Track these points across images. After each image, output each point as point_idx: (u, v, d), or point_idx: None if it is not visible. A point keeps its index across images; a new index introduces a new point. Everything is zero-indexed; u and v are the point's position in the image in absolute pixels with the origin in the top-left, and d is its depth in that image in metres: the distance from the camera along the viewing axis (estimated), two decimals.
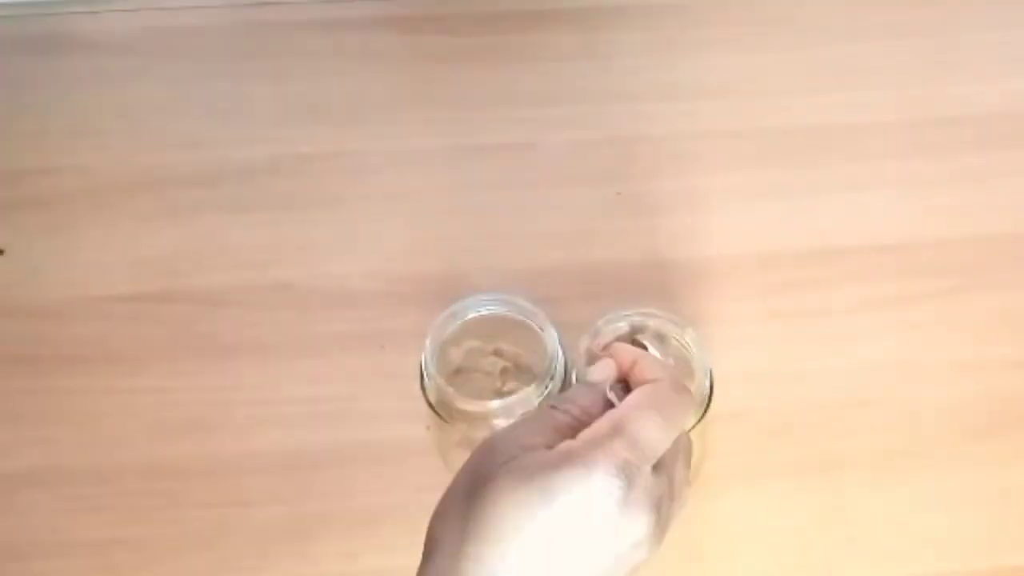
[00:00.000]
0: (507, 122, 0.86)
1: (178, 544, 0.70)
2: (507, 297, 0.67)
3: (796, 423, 0.73)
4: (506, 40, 0.90)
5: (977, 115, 0.86)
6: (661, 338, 0.61)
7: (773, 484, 0.71)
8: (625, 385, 0.56)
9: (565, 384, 0.65)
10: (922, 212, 0.82)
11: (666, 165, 0.83)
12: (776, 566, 0.69)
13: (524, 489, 0.48)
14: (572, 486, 0.48)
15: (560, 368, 0.65)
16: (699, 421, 0.64)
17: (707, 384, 0.64)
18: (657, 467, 0.51)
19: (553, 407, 0.53)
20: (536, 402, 0.64)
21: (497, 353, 0.68)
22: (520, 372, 0.68)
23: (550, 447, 0.50)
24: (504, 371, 0.68)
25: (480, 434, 0.66)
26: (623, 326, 0.65)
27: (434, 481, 0.71)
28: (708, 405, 0.65)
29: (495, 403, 0.64)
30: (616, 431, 0.50)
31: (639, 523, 0.49)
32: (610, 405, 0.54)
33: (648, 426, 0.51)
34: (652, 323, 0.65)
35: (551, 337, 0.65)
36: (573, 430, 0.51)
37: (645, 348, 0.61)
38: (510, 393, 0.65)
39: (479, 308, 0.67)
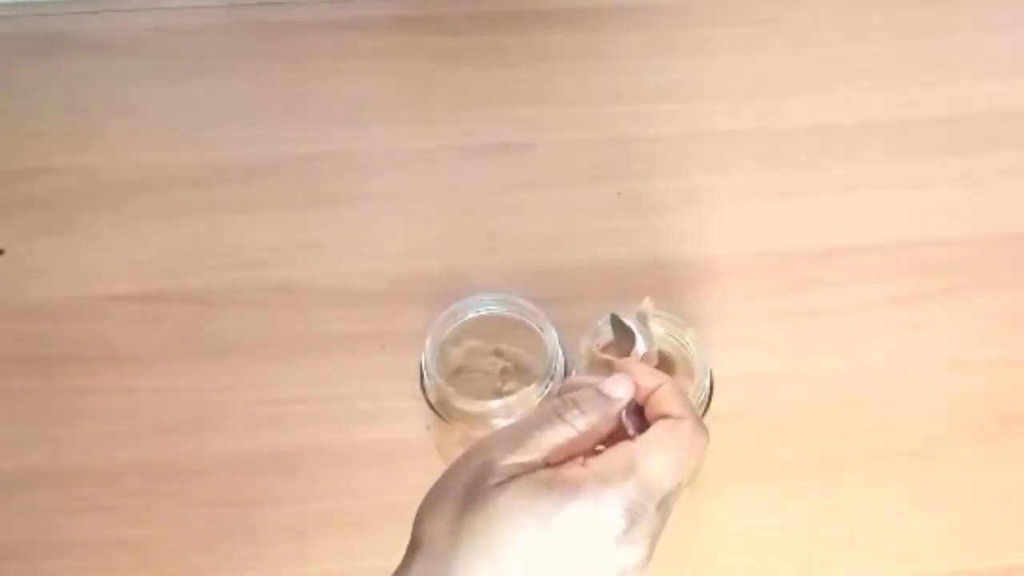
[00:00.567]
0: (507, 122, 0.86)
1: (178, 544, 0.70)
2: (507, 297, 0.67)
3: (796, 423, 0.73)
4: (506, 40, 0.90)
5: (977, 115, 0.86)
6: (643, 319, 0.61)
7: (773, 484, 0.71)
8: (639, 408, 0.52)
9: None
10: (922, 212, 0.82)
11: (666, 165, 0.83)
12: (776, 566, 0.70)
13: (527, 513, 0.47)
14: (576, 516, 0.47)
15: (560, 368, 0.65)
16: None
17: (707, 384, 0.64)
18: (660, 503, 0.50)
19: (559, 415, 0.50)
20: (536, 402, 0.64)
21: (497, 353, 0.68)
22: (520, 372, 0.68)
23: (550, 463, 0.49)
24: (504, 371, 0.68)
25: (480, 434, 0.66)
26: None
27: (434, 481, 0.72)
28: (708, 405, 0.65)
29: (495, 403, 0.64)
30: (630, 471, 0.48)
31: (634, 554, 0.48)
32: (620, 427, 0.52)
33: (664, 471, 0.49)
34: (649, 323, 0.65)
35: (551, 337, 0.65)
36: (576, 445, 0.50)
37: (629, 329, 0.60)
38: (510, 393, 0.65)
39: (479, 308, 0.67)
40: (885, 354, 0.76)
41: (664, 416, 0.51)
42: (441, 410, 0.65)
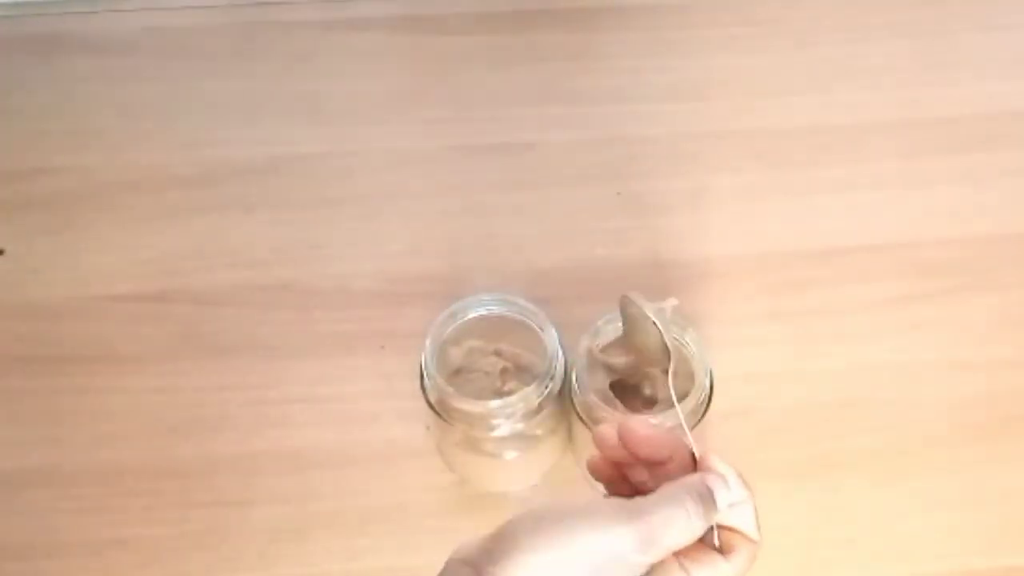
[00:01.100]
0: (507, 122, 0.86)
1: (178, 544, 0.70)
2: (507, 297, 0.67)
3: (796, 423, 0.73)
4: (506, 40, 0.90)
5: (977, 115, 0.86)
6: (662, 315, 0.61)
7: (773, 484, 0.71)
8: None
9: (565, 384, 0.65)
10: (922, 212, 0.82)
11: (666, 165, 0.83)
12: (776, 566, 0.69)
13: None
14: None
15: (560, 368, 0.65)
16: (699, 421, 0.64)
17: (707, 384, 0.64)
18: None
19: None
20: (536, 402, 0.64)
21: (497, 353, 0.68)
22: (520, 372, 0.68)
23: None
24: (504, 371, 0.68)
25: (480, 434, 0.66)
26: (623, 326, 0.65)
27: (434, 481, 0.72)
28: (708, 405, 0.65)
29: (495, 403, 0.64)
30: None
31: None
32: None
33: None
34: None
35: (551, 337, 0.65)
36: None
37: (638, 318, 0.60)
38: (510, 393, 0.65)
39: (479, 308, 0.67)
40: (885, 354, 0.76)
41: (740, 535, 0.50)
42: (441, 410, 0.65)
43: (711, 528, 0.49)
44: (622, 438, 0.52)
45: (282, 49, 0.90)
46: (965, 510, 0.71)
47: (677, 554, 0.48)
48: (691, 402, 0.63)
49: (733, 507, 0.49)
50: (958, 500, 0.71)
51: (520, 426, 0.65)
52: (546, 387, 0.64)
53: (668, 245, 0.80)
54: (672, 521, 0.47)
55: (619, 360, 0.66)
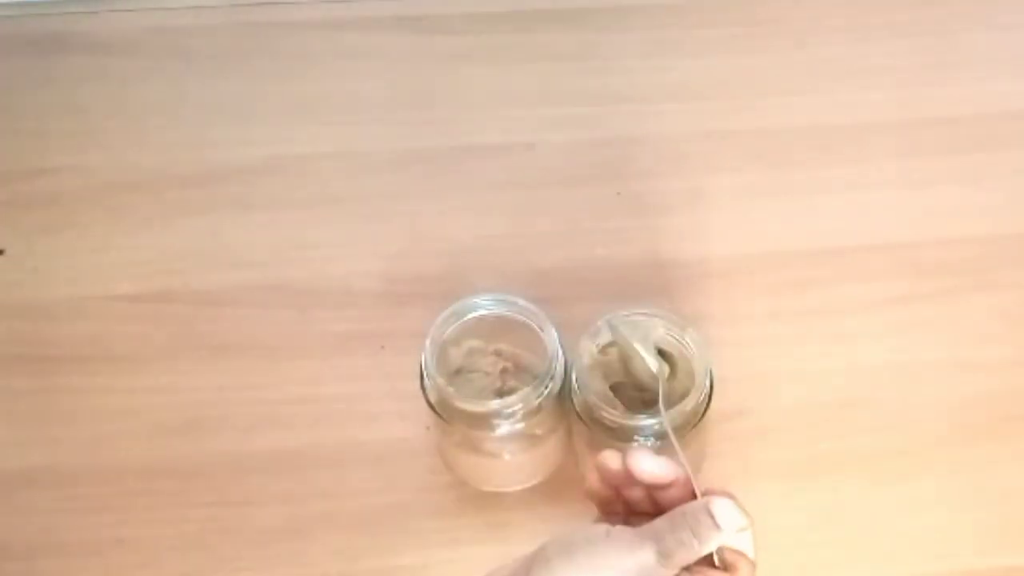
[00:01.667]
0: (507, 122, 0.86)
1: (178, 544, 0.70)
2: (507, 297, 0.67)
3: (796, 423, 0.73)
4: (506, 40, 0.90)
5: (977, 115, 0.86)
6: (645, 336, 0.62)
7: (773, 484, 0.71)
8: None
9: (565, 384, 0.65)
10: (922, 212, 0.82)
11: (666, 165, 0.83)
12: (775, 566, 0.69)
13: None
14: None
15: (560, 368, 0.65)
16: (699, 421, 0.64)
17: (707, 384, 0.64)
18: None
19: None
20: (536, 402, 0.64)
21: (497, 353, 0.68)
22: (520, 372, 0.68)
23: None
24: (504, 371, 0.68)
25: (480, 434, 0.66)
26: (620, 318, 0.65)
27: (434, 481, 0.72)
28: (708, 405, 0.65)
29: (495, 403, 0.64)
30: None
31: None
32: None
33: None
34: (651, 323, 0.65)
35: (551, 337, 0.65)
36: None
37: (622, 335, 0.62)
38: (510, 393, 0.65)
39: (479, 308, 0.67)
40: (885, 354, 0.76)
41: (741, 554, 0.53)
42: (441, 410, 0.65)
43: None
44: (627, 463, 0.54)
45: (282, 49, 0.90)
46: (965, 510, 0.71)
47: (685, 569, 0.51)
48: (691, 402, 0.63)
49: (737, 532, 0.52)
50: (958, 500, 0.71)
51: (520, 426, 0.65)
52: (546, 387, 0.64)
53: (668, 245, 0.80)
54: (682, 542, 0.51)
55: (618, 360, 0.66)
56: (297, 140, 0.85)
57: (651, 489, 0.55)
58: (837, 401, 0.74)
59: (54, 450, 0.73)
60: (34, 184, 0.83)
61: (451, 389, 0.64)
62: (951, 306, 0.78)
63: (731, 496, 0.53)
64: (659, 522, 0.52)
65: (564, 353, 0.66)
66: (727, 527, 0.51)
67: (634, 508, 0.56)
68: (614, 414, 0.63)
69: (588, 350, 0.65)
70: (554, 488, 0.71)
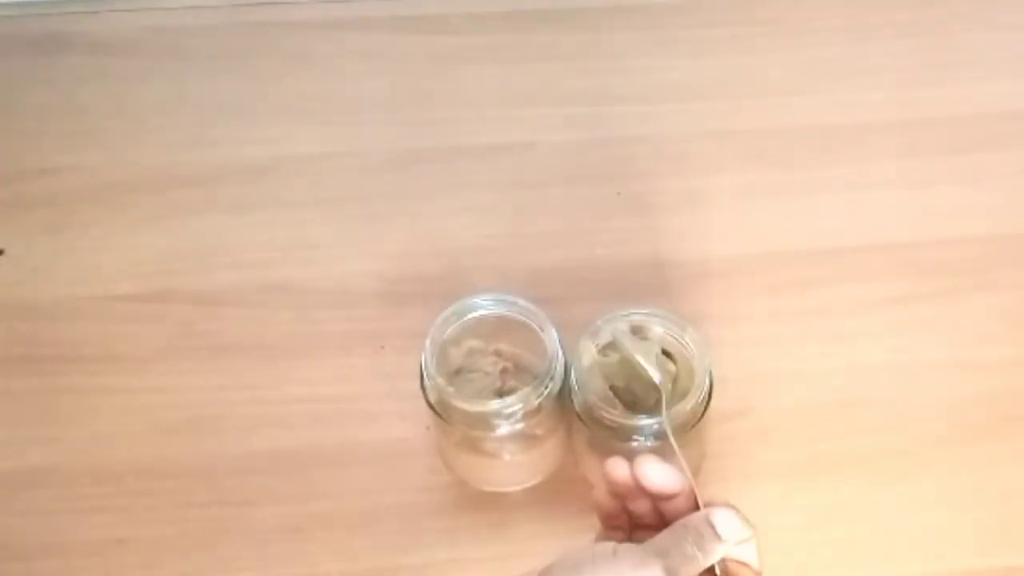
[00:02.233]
0: (507, 122, 0.86)
1: (178, 544, 0.70)
2: (507, 297, 0.67)
3: (796, 423, 0.73)
4: (506, 40, 0.90)
5: (977, 115, 0.86)
6: (637, 330, 0.62)
7: (773, 484, 0.71)
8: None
9: (565, 384, 0.65)
10: (922, 212, 0.82)
11: (666, 165, 0.83)
12: (775, 566, 0.69)
13: None
14: None
15: (560, 368, 0.65)
16: (699, 421, 0.64)
17: (707, 384, 0.64)
18: None
19: None
20: (536, 402, 0.64)
21: (497, 353, 0.68)
22: (520, 372, 0.68)
23: None
24: (504, 371, 0.68)
25: (480, 434, 0.66)
26: (622, 326, 0.65)
27: (434, 481, 0.72)
28: (708, 405, 0.65)
29: (495, 403, 0.64)
30: None
31: None
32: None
33: None
34: (651, 323, 0.65)
35: (551, 337, 0.65)
36: None
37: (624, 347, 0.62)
38: (510, 393, 0.65)
39: (479, 308, 0.67)
40: (885, 354, 0.76)
41: (745, 565, 0.53)
42: (441, 410, 0.65)
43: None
44: (635, 471, 0.54)
45: (282, 49, 0.90)
46: (965, 510, 0.71)
47: None
48: (690, 402, 0.63)
49: (739, 543, 0.52)
50: (958, 500, 0.71)
51: (520, 426, 0.65)
52: (546, 387, 0.64)
53: (668, 245, 0.80)
54: (687, 556, 0.51)
55: (618, 361, 0.66)
56: (297, 140, 0.85)
57: (656, 500, 0.55)
58: (837, 401, 0.74)
59: (54, 450, 0.73)
60: (34, 184, 0.83)
61: (451, 389, 0.64)
62: (951, 306, 0.78)
63: (733, 507, 0.53)
64: (662, 537, 0.52)
65: (564, 353, 0.66)
66: (729, 538, 0.52)
67: (638, 521, 0.56)
68: (614, 414, 0.63)
69: (588, 350, 0.65)
70: (554, 488, 0.71)
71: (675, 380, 0.65)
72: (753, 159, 0.84)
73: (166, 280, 0.79)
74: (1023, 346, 0.76)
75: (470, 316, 0.67)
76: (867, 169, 0.84)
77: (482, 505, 0.71)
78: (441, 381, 0.65)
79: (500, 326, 0.67)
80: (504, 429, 0.65)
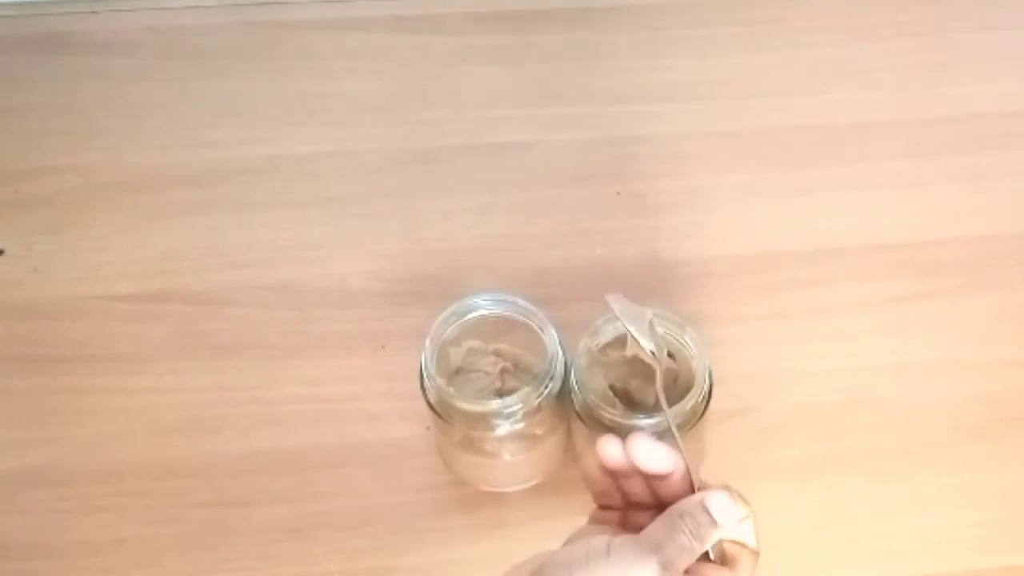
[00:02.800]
0: (507, 122, 0.86)
1: (178, 544, 0.70)
2: (507, 297, 0.67)
3: (796, 423, 0.73)
4: (506, 40, 0.90)
5: (977, 115, 0.86)
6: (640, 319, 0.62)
7: (772, 484, 0.71)
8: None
9: (565, 384, 0.65)
10: (922, 212, 0.82)
11: (666, 165, 0.83)
12: (776, 566, 0.69)
13: None
14: None
15: (560, 368, 0.65)
16: (699, 420, 0.64)
17: (707, 384, 0.64)
18: None
19: None
20: (536, 402, 0.64)
21: (497, 353, 0.68)
22: (520, 372, 0.68)
23: None
24: (504, 371, 0.68)
25: (480, 434, 0.66)
26: (622, 326, 0.65)
27: (434, 481, 0.72)
28: (708, 405, 0.65)
29: (495, 403, 0.64)
30: None
31: None
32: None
33: None
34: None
35: (551, 337, 0.65)
36: None
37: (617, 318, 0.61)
38: (510, 393, 0.65)
39: (479, 308, 0.67)
40: (885, 354, 0.76)
41: (742, 546, 0.53)
42: (441, 410, 0.65)
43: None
44: (629, 451, 0.53)
45: (282, 49, 0.90)
46: (965, 510, 0.71)
47: (686, 571, 0.51)
48: (690, 402, 0.63)
49: (736, 522, 0.52)
50: (958, 500, 0.71)
51: (520, 426, 0.65)
52: (546, 387, 0.64)
53: (668, 245, 0.80)
54: (683, 547, 0.50)
55: (617, 360, 0.66)
56: (297, 140, 0.85)
57: (650, 479, 0.54)
58: (837, 401, 0.74)
59: (54, 450, 0.73)
60: (34, 184, 0.83)
61: (451, 389, 0.64)
62: (951, 306, 0.78)
63: (727, 487, 0.52)
64: (656, 529, 0.51)
65: (564, 353, 0.66)
66: (725, 521, 0.51)
67: (632, 499, 0.55)
68: (614, 414, 0.63)
69: (588, 350, 0.65)
70: (554, 488, 0.71)
71: (675, 380, 0.65)
72: (753, 159, 0.84)
73: (166, 280, 0.79)
74: (1023, 346, 0.76)
75: (470, 316, 0.67)
76: (867, 169, 0.84)
77: (482, 505, 0.71)
78: (441, 381, 0.65)
79: (500, 326, 0.67)
80: (504, 429, 0.65)
